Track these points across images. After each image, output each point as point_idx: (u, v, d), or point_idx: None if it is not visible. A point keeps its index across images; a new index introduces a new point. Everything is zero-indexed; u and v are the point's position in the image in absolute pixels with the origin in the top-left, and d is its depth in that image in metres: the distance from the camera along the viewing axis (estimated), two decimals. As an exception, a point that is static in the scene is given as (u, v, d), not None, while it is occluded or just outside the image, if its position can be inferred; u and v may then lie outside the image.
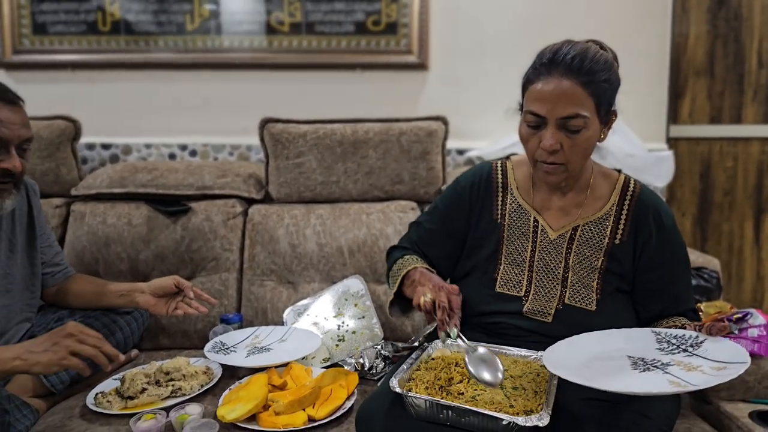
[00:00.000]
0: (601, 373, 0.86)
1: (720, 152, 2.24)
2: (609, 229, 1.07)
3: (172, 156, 2.03)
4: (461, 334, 0.94)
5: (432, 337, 1.17)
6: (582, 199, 1.10)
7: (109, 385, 1.22)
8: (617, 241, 1.06)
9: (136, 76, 2.01)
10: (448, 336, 0.93)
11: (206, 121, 2.03)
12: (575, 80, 0.95)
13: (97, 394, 1.18)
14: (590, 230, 1.08)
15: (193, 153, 2.03)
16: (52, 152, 1.73)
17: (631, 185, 1.10)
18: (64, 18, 1.97)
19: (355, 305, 1.47)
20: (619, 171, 1.14)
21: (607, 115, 1.02)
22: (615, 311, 1.05)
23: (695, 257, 1.66)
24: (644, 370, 0.85)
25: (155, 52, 1.98)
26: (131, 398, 1.15)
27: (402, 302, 1.15)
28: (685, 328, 0.93)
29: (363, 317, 1.44)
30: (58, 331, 1.05)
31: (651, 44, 2.02)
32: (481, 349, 0.90)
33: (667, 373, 0.82)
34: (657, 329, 0.95)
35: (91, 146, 2.00)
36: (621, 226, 1.07)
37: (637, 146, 1.91)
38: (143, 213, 1.64)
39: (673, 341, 0.90)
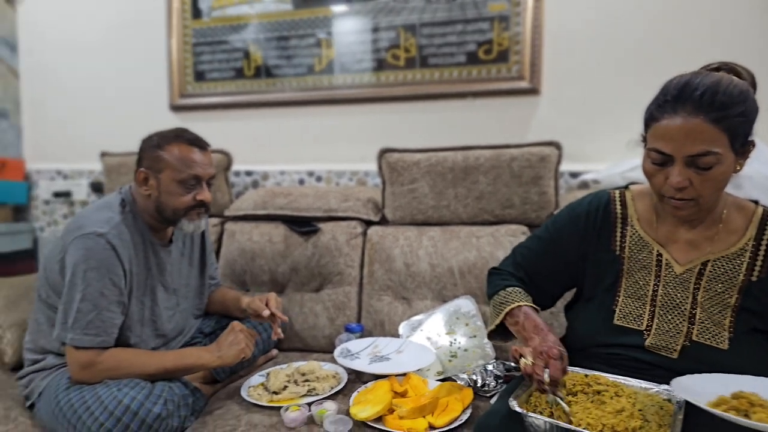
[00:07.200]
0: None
1: None
2: (745, 265, 1.00)
3: (301, 181, 2.28)
4: (559, 399, 0.91)
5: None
6: (713, 232, 1.03)
7: (257, 380, 1.44)
8: (754, 278, 1.00)
9: (272, 112, 2.30)
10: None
11: (330, 150, 2.25)
12: (705, 117, 0.89)
13: (249, 387, 1.40)
14: (723, 266, 1.01)
15: (319, 178, 2.26)
16: (209, 180, 2.07)
17: None
18: (218, 66, 2.33)
19: (466, 325, 1.55)
20: (756, 202, 1.07)
21: (743, 147, 0.94)
22: (750, 351, 0.99)
23: None
24: None
25: (288, 92, 2.25)
26: (275, 393, 1.35)
27: (502, 330, 1.15)
28: None
29: (475, 336, 1.52)
30: (229, 331, 1.34)
31: (791, 55, 1.86)
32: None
33: None
34: None
35: (237, 173, 2.33)
36: (759, 262, 1.00)
37: (775, 167, 1.75)
38: (281, 232, 1.89)
39: None
